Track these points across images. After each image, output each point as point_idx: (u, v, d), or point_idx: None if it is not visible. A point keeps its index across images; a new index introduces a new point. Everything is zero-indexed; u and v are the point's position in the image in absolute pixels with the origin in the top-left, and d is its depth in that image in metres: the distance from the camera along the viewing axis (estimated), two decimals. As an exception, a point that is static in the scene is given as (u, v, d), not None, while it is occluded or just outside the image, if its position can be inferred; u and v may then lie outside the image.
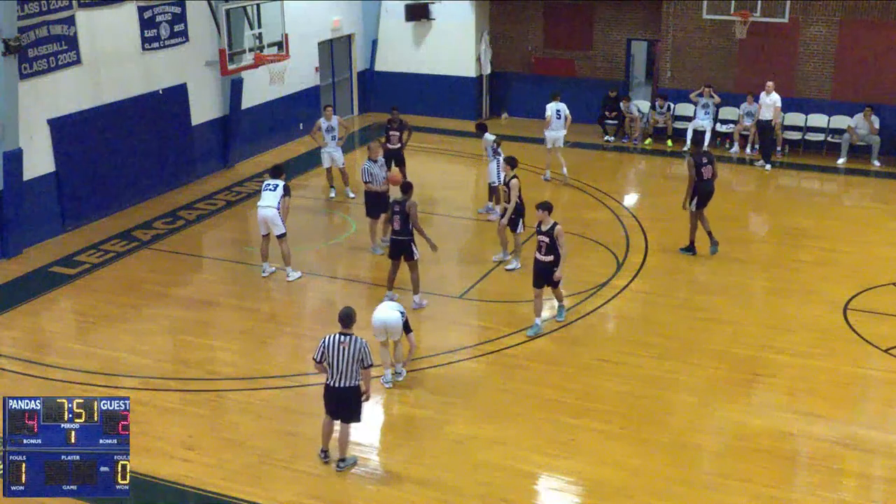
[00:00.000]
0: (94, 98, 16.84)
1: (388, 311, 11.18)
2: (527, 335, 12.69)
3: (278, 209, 14.27)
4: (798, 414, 10.96)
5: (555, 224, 12.33)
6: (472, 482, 9.76)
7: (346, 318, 9.53)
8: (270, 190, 14.42)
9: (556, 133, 19.07)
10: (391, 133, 17.91)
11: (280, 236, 14.39)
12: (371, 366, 9.48)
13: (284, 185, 14.43)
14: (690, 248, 15.45)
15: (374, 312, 11.28)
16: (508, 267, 15.00)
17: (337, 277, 15.13)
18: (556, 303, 13.14)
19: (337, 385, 9.49)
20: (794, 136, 21.01)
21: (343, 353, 9.36)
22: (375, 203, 15.27)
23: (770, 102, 19.97)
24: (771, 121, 20.16)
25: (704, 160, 15.14)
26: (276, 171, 14.74)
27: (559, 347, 12.56)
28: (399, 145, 17.88)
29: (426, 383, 11.53)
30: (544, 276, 12.58)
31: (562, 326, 13.11)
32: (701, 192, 15.05)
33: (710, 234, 15.35)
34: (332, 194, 18.39)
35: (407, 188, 13.52)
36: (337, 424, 9.83)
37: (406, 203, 13.14)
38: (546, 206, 12.41)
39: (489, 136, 16.98)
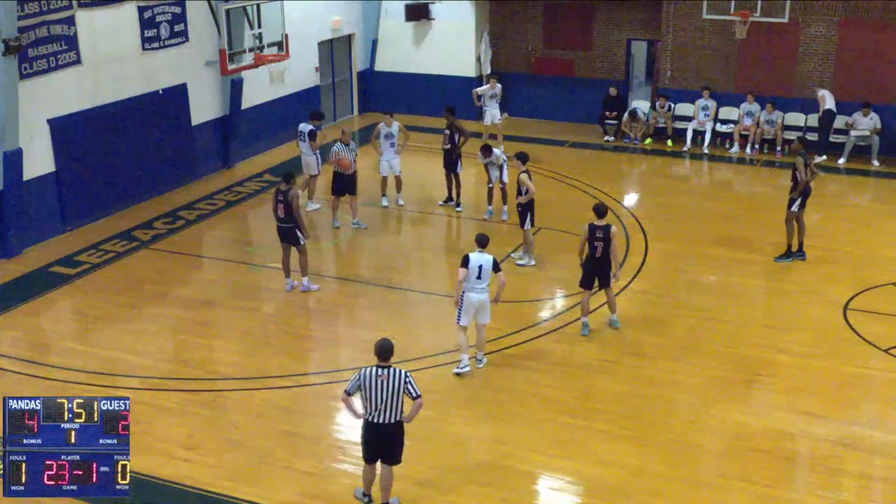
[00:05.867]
0: (94, 98, 16.83)
1: (484, 259, 11.44)
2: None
3: (316, 154, 16.98)
4: (798, 414, 10.97)
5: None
6: (472, 482, 9.76)
7: (384, 352, 8.77)
8: (302, 140, 17.28)
9: None
10: (445, 132, 17.59)
11: (312, 176, 16.85)
12: (420, 396, 8.79)
13: (310, 131, 17.11)
14: (799, 253, 15.25)
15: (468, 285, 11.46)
16: (520, 262, 15.04)
17: (337, 277, 15.13)
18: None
19: (377, 421, 8.79)
20: (794, 137, 20.95)
21: (383, 388, 8.66)
22: (341, 183, 16.48)
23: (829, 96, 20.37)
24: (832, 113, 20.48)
25: (809, 160, 15.08)
26: (314, 116, 17.50)
27: (559, 347, 12.56)
28: (450, 146, 17.45)
29: (426, 383, 11.49)
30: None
31: (562, 326, 13.12)
32: (804, 193, 15.01)
33: (801, 242, 15.26)
34: (385, 203, 17.85)
35: (289, 178, 13.98)
36: (378, 467, 9.14)
37: (289, 193, 13.74)
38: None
39: (498, 153, 16.73)
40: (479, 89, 21.62)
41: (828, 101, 20.50)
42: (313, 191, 17.59)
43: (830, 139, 20.85)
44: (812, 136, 20.95)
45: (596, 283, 12.77)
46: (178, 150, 18.95)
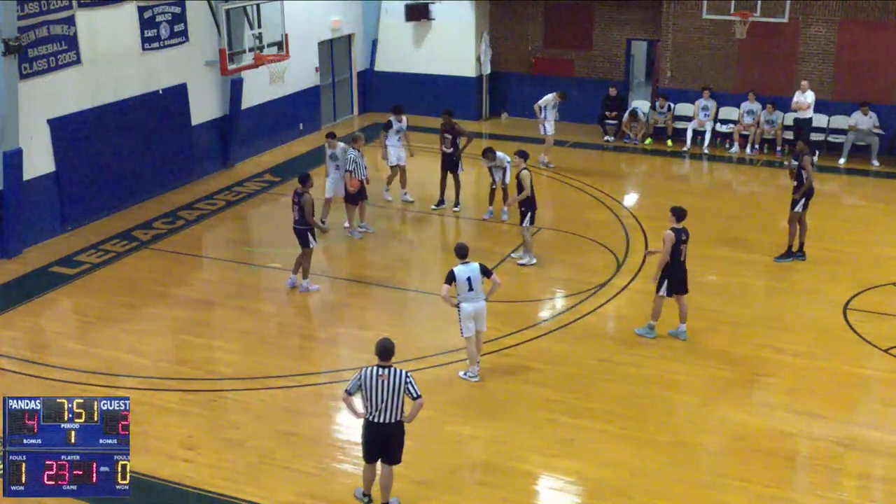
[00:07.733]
0: (94, 98, 16.83)
1: (471, 270, 11.28)
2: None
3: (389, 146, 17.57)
4: (798, 414, 10.97)
5: None
6: (472, 482, 9.76)
7: (385, 352, 8.77)
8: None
9: None
10: (445, 136, 17.54)
11: (398, 166, 17.71)
12: (420, 396, 8.80)
13: (385, 123, 17.77)
14: (799, 253, 15.21)
15: (465, 302, 11.34)
16: (521, 262, 15.04)
17: (337, 277, 15.12)
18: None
19: (377, 420, 8.78)
20: (794, 137, 20.98)
21: (383, 387, 8.65)
22: (355, 191, 16.09)
23: (809, 100, 20.27)
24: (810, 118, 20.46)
25: (814, 158, 15.01)
26: (394, 109, 17.81)
27: (559, 347, 12.56)
28: (452, 149, 17.44)
29: (426, 383, 11.48)
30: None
31: (562, 326, 13.12)
32: (809, 193, 14.96)
33: (802, 243, 15.22)
34: (324, 225, 16.65)
35: (304, 180, 13.85)
36: (378, 467, 9.14)
37: (302, 196, 13.68)
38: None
39: (501, 156, 16.64)
40: (541, 101, 20.27)
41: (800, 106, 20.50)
42: (391, 179, 18.04)
43: (829, 139, 20.87)
44: (813, 136, 20.89)
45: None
46: (178, 150, 18.94)
